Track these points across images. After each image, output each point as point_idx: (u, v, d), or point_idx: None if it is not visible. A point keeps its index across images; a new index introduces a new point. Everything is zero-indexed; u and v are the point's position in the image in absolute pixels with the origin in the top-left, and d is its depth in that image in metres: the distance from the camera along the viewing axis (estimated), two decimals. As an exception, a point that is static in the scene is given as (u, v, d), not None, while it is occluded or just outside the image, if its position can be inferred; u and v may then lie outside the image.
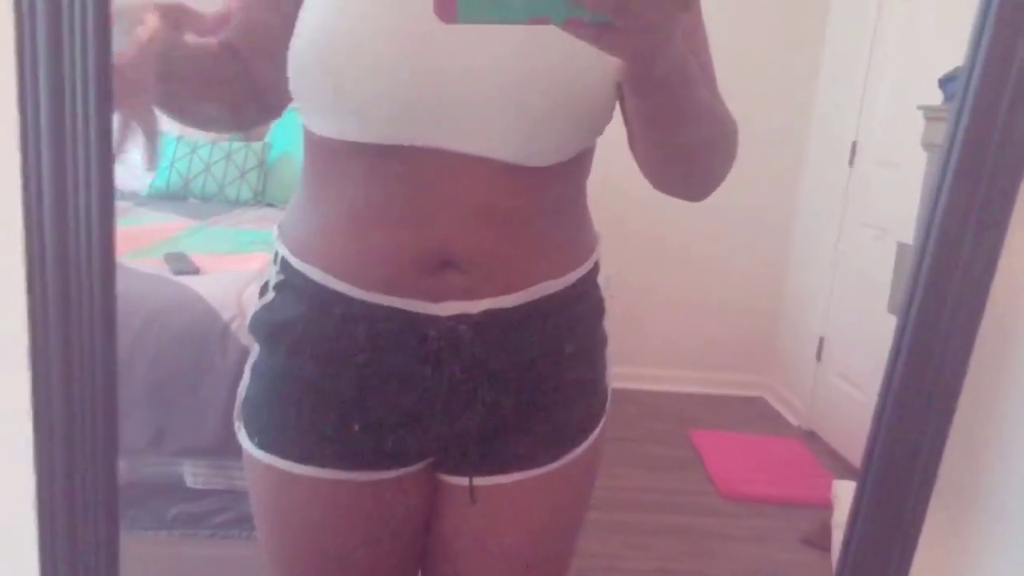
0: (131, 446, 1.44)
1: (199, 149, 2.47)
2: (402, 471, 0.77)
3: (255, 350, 0.79)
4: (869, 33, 2.25)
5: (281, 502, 0.78)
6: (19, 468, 0.59)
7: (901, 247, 1.41)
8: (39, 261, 0.53)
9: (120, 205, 2.26)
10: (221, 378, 1.42)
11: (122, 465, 1.47)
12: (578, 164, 0.73)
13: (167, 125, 0.71)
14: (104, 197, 0.52)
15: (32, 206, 0.53)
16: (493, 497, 0.78)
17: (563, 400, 0.78)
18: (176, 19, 0.60)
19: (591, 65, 0.65)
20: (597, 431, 0.81)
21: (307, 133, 0.73)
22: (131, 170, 2.37)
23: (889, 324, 0.70)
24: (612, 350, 0.84)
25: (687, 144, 0.66)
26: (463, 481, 0.77)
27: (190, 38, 0.62)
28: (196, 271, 1.61)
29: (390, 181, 0.68)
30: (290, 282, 0.74)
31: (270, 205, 2.47)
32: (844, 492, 1.72)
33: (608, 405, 0.83)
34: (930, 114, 1.40)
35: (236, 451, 0.81)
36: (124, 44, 0.59)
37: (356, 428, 0.73)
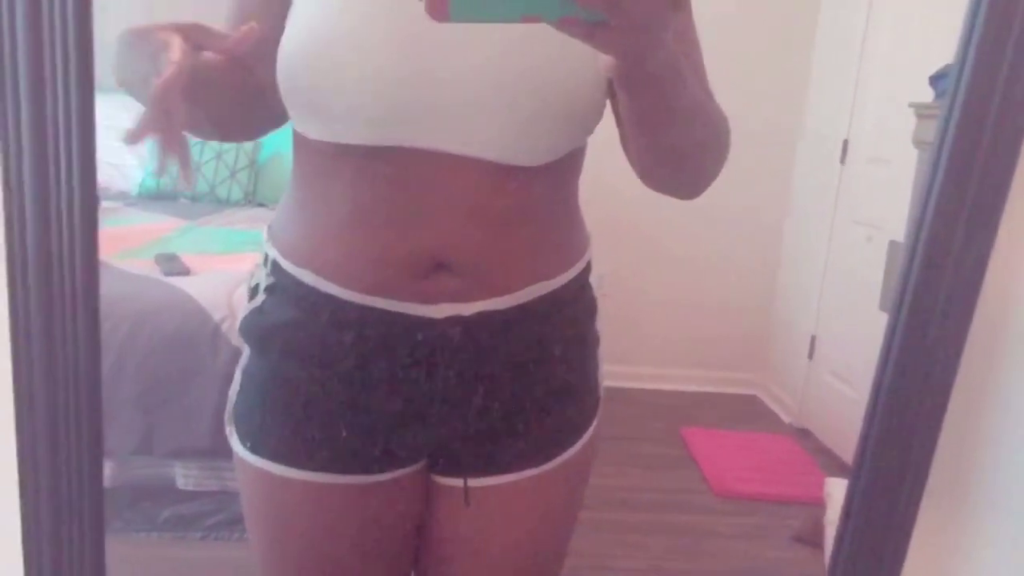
0: (122, 448, 1.43)
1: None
2: (395, 474, 0.76)
3: (246, 353, 0.78)
4: (860, 31, 2.26)
5: (273, 505, 0.77)
6: (2, 470, 0.59)
7: (892, 245, 1.42)
8: (20, 261, 0.53)
9: (110, 206, 2.26)
10: (212, 379, 1.41)
11: (112, 467, 1.46)
12: (569, 163, 0.73)
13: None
14: (86, 195, 0.52)
15: (13, 204, 0.52)
16: (486, 498, 0.77)
17: (556, 401, 0.77)
18: (199, 41, 0.58)
19: (581, 65, 0.65)
20: (590, 431, 0.81)
21: (296, 135, 0.72)
22: (121, 170, 2.36)
23: (881, 322, 0.70)
24: (604, 349, 0.84)
25: (679, 143, 0.66)
26: (457, 483, 0.77)
27: (208, 56, 0.61)
28: (186, 272, 1.60)
29: (381, 183, 0.68)
30: (281, 285, 0.74)
31: (261, 205, 2.46)
32: (836, 489, 1.72)
33: (601, 405, 0.83)
34: (921, 112, 1.40)
35: (227, 452, 0.80)
36: (146, 69, 0.57)
37: (344, 435, 0.73)
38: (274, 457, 0.75)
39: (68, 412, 0.56)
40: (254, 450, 0.76)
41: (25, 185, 0.52)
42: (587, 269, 0.79)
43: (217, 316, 1.45)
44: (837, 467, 2.07)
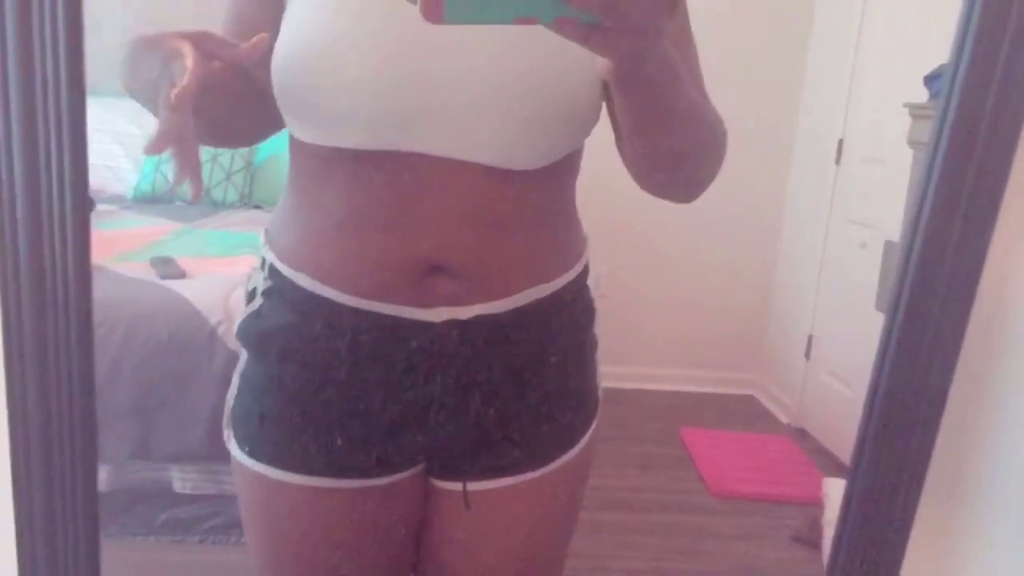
0: (118, 451, 1.43)
1: (185, 151, 2.44)
2: (393, 478, 0.76)
3: (243, 357, 0.78)
4: (855, 31, 2.26)
5: (271, 510, 0.77)
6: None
7: (888, 245, 1.42)
8: (12, 265, 0.53)
9: (105, 209, 2.25)
10: (208, 382, 1.41)
11: (109, 471, 1.46)
12: (566, 166, 0.73)
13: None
14: (78, 198, 0.51)
15: (4, 209, 0.52)
16: (485, 502, 0.77)
17: (554, 405, 0.77)
18: (209, 50, 0.57)
19: (577, 67, 0.65)
20: (589, 434, 0.81)
21: (293, 139, 0.72)
22: (115, 173, 2.36)
23: (877, 322, 0.70)
24: (602, 350, 0.84)
25: (675, 146, 0.66)
26: (456, 486, 0.77)
27: (215, 65, 0.60)
28: (183, 275, 1.60)
29: (377, 186, 0.68)
30: (278, 288, 0.73)
31: (257, 207, 2.45)
32: (834, 489, 1.72)
33: (600, 408, 0.83)
34: (916, 112, 1.40)
35: (224, 456, 0.80)
36: (156, 77, 0.57)
37: (340, 443, 0.73)
38: (271, 461, 0.74)
39: (62, 417, 0.55)
40: (251, 454, 0.76)
41: (16, 189, 0.51)
42: (585, 272, 0.79)
43: (213, 319, 1.45)
44: (835, 467, 2.07)
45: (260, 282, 0.75)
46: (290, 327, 0.72)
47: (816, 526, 1.81)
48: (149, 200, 2.41)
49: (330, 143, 0.67)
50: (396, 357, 0.70)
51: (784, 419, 2.64)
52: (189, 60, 0.54)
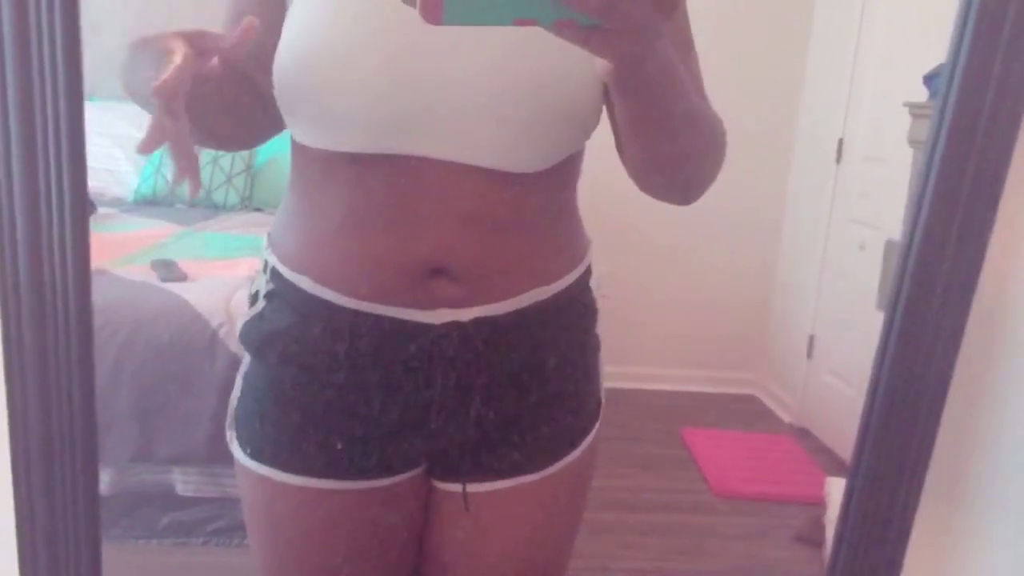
0: (120, 454, 1.43)
1: (185, 154, 2.44)
2: (394, 479, 0.76)
3: (246, 359, 0.78)
4: (854, 30, 2.26)
5: (273, 511, 0.77)
6: None
7: (889, 244, 1.42)
8: (11, 269, 0.53)
9: (105, 212, 2.25)
10: (210, 385, 1.41)
11: (111, 474, 1.46)
12: (567, 168, 0.73)
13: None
14: (77, 201, 0.51)
15: (3, 213, 0.52)
16: (486, 503, 0.77)
17: (556, 407, 0.77)
18: (202, 45, 0.57)
19: (577, 70, 0.65)
20: (591, 435, 0.81)
21: (294, 142, 0.72)
22: (116, 176, 2.36)
23: (879, 321, 0.70)
24: (603, 351, 0.84)
25: (675, 148, 0.66)
26: (456, 487, 0.77)
27: (211, 66, 0.60)
28: (183, 278, 1.60)
29: (378, 190, 0.68)
30: (280, 291, 0.74)
31: (258, 209, 2.45)
32: (836, 489, 1.72)
33: (602, 409, 0.83)
34: (915, 111, 1.40)
35: (227, 458, 0.80)
36: (149, 75, 0.56)
37: (339, 446, 0.73)
38: (273, 463, 0.75)
39: (63, 420, 0.56)
40: (254, 456, 0.76)
41: (15, 192, 0.52)
42: (587, 274, 0.79)
43: (215, 322, 1.45)
44: (837, 466, 2.07)
45: (263, 285, 0.76)
46: (291, 329, 0.72)
47: (818, 526, 1.81)
48: (149, 203, 2.40)
49: (331, 146, 0.67)
50: (396, 359, 0.70)
51: (786, 419, 2.64)
52: (178, 56, 0.54)
